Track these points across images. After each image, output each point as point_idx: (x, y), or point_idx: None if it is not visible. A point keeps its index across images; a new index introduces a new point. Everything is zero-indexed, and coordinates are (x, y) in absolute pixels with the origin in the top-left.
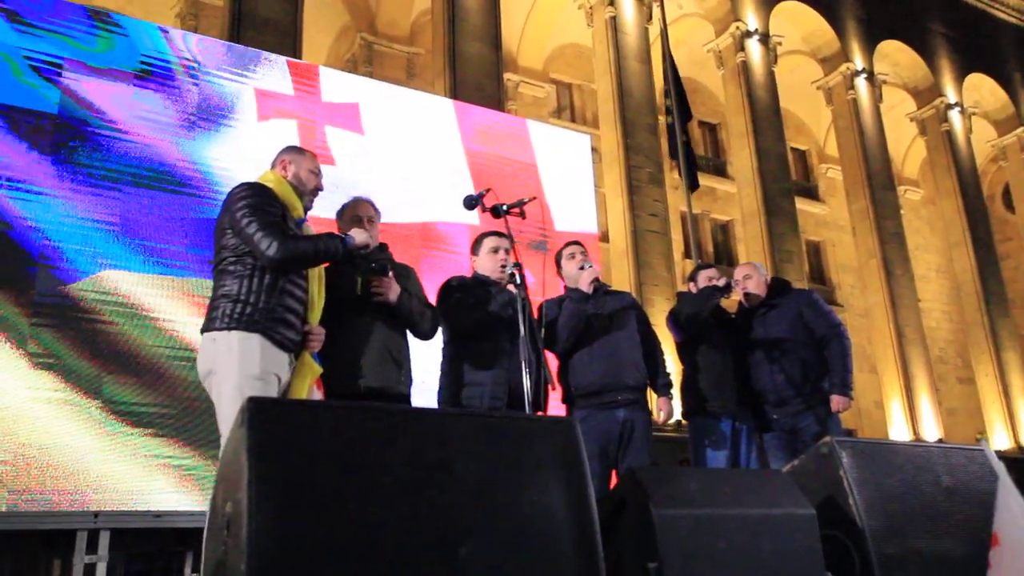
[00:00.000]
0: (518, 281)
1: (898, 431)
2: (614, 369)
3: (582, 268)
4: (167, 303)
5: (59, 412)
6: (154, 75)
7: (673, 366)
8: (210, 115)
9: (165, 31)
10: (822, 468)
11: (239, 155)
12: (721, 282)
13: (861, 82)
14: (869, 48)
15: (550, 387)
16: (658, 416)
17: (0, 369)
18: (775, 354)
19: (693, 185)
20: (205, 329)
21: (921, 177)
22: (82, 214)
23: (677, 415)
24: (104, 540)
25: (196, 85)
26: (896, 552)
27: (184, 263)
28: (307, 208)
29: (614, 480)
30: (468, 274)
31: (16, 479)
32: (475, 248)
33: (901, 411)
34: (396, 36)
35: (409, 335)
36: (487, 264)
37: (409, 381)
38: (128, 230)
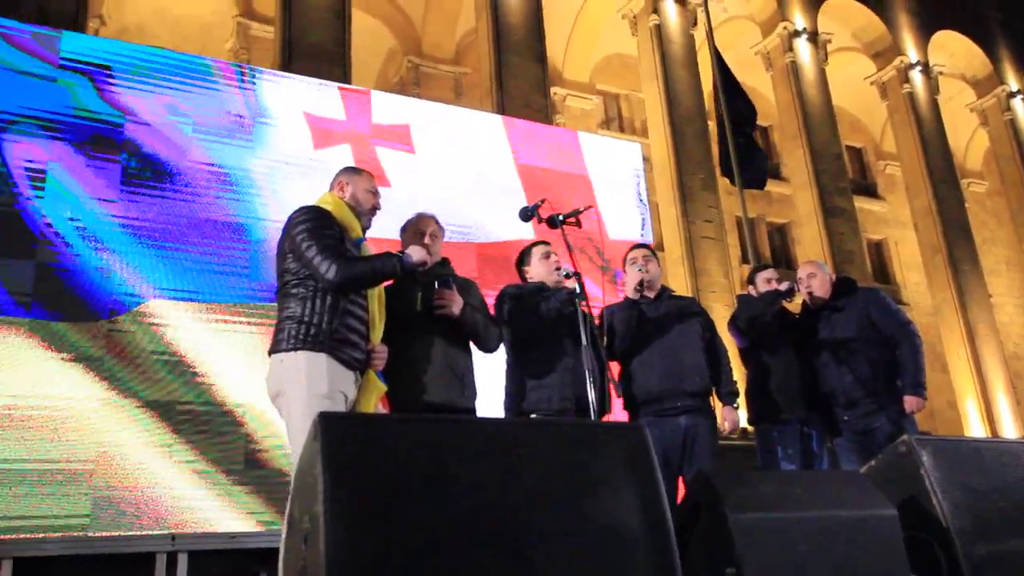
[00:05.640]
0: (578, 291)
1: (975, 432)
2: (674, 375)
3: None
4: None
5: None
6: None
7: (736, 372)
8: (268, 146)
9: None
10: (901, 468)
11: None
12: (783, 286)
13: (916, 75)
14: (923, 39)
15: (614, 394)
16: (723, 426)
17: (79, 399)
18: (842, 355)
19: (760, 185)
20: (272, 351)
21: (985, 168)
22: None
23: (743, 424)
24: (183, 562)
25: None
26: (987, 553)
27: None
28: (365, 228)
29: (679, 488)
30: None
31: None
32: (523, 259)
33: (976, 410)
34: (442, 57)
35: (473, 349)
36: (541, 270)
37: (473, 395)
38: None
